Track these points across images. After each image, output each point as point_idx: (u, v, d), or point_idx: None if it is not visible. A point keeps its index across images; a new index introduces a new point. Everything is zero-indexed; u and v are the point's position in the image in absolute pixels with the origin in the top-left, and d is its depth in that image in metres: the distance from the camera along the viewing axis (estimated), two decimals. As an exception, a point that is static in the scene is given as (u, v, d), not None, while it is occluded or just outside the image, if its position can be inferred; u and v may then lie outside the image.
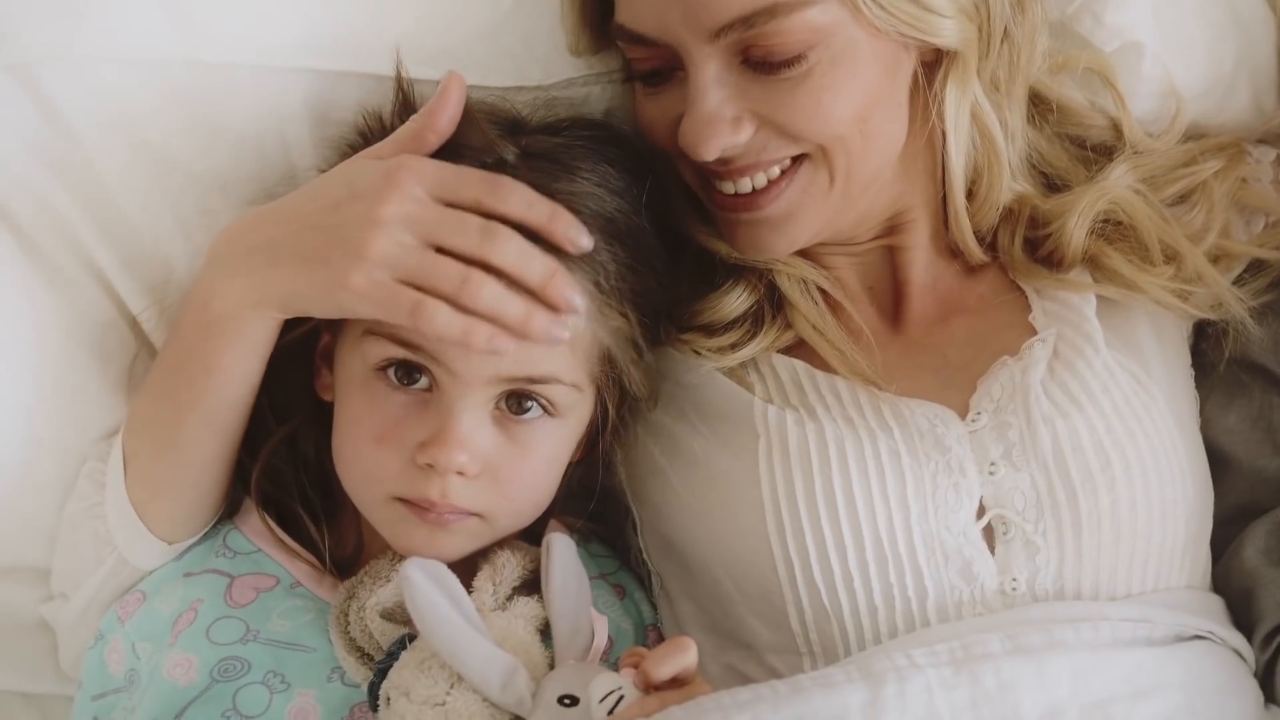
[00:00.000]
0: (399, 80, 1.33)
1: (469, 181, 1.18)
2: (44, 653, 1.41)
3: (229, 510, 1.36)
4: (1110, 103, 1.45)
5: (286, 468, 1.35)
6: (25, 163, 1.31)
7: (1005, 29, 1.32)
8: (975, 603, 1.25)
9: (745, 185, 1.31)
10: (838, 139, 1.28)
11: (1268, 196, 1.49)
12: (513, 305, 1.16)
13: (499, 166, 1.23)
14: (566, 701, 1.14)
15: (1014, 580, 1.26)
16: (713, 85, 1.26)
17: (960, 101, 1.32)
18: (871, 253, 1.41)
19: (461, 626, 1.16)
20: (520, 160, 1.24)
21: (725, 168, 1.30)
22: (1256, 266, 1.46)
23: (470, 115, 1.25)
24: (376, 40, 1.34)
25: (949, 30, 1.28)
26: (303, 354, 1.32)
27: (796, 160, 1.30)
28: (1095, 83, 1.46)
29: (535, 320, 1.16)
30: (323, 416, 1.32)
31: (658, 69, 1.31)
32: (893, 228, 1.40)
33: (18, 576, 1.38)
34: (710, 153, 1.27)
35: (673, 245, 1.35)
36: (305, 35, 1.34)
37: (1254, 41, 1.53)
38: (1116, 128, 1.45)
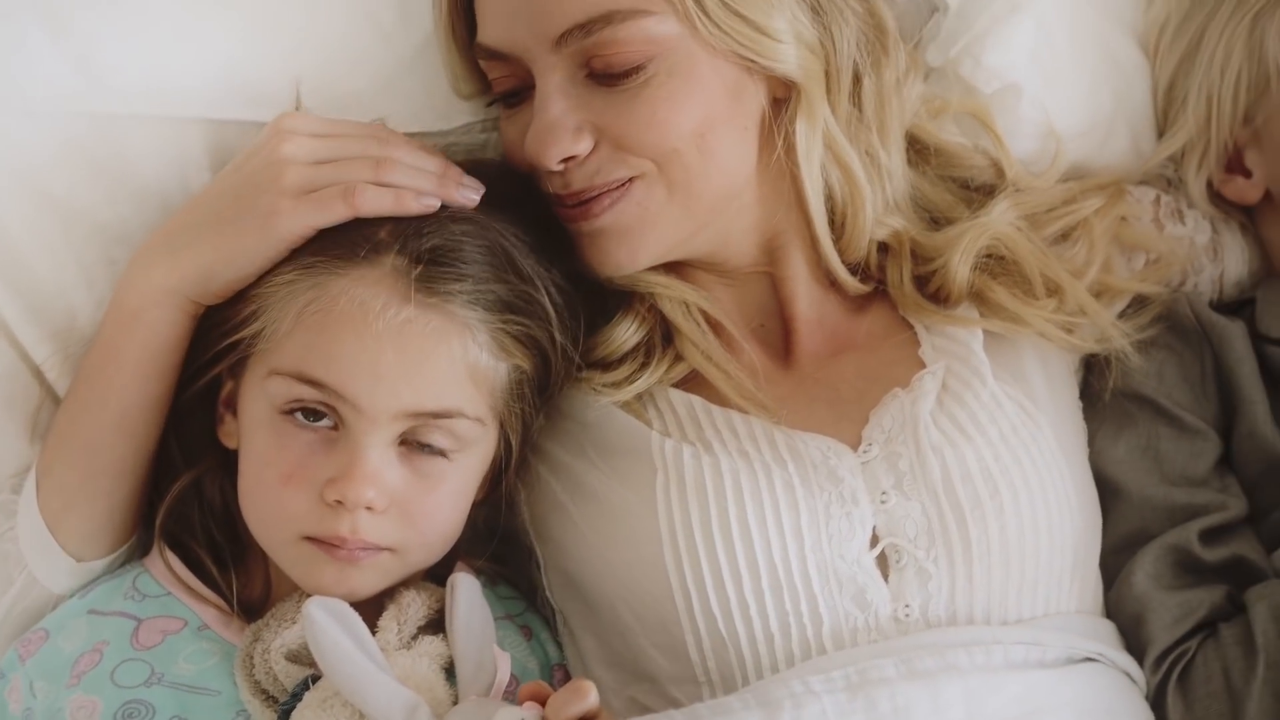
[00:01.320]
0: None
1: (350, 124, 1.28)
2: None
3: (141, 552, 1.36)
4: (991, 144, 1.50)
5: (194, 513, 1.35)
6: None
7: (855, 71, 1.37)
8: (870, 629, 1.28)
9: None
10: (673, 152, 1.31)
11: (1148, 234, 1.54)
12: (423, 178, 1.26)
13: None
14: (469, 735, 1.15)
15: (907, 607, 1.28)
16: (556, 94, 1.31)
17: (810, 135, 1.36)
18: (753, 283, 1.44)
19: (363, 664, 1.17)
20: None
21: (566, 191, 1.34)
22: (1140, 302, 1.50)
23: None
24: (277, 89, 1.37)
25: (788, 58, 1.33)
26: (208, 404, 1.33)
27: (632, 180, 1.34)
28: (979, 125, 1.50)
29: (449, 183, 1.27)
30: (228, 463, 1.32)
31: (516, 88, 1.36)
32: (770, 256, 1.43)
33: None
34: (551, 159, 1.31)
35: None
36: (206, 86, 1.37)
37: (1131, 85, 1.58)
38: (998, 168, 1.49)
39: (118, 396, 1.29)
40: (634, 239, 1.35)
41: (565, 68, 1.31)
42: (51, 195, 1.35)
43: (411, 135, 1.41)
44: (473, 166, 1.36)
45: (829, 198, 1.39)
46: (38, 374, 1.37)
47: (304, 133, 1.25)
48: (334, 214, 1.23)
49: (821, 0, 1.35)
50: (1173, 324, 1.49)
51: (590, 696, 1.16)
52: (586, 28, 1.28)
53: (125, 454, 1.30)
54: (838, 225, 1.41)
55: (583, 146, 1.32)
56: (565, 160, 1.32)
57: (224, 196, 1.27)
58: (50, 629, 1.30)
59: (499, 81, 1.37)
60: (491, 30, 1.34)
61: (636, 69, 1.30)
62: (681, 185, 1.33)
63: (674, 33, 1.29)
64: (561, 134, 1.31)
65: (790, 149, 1.36)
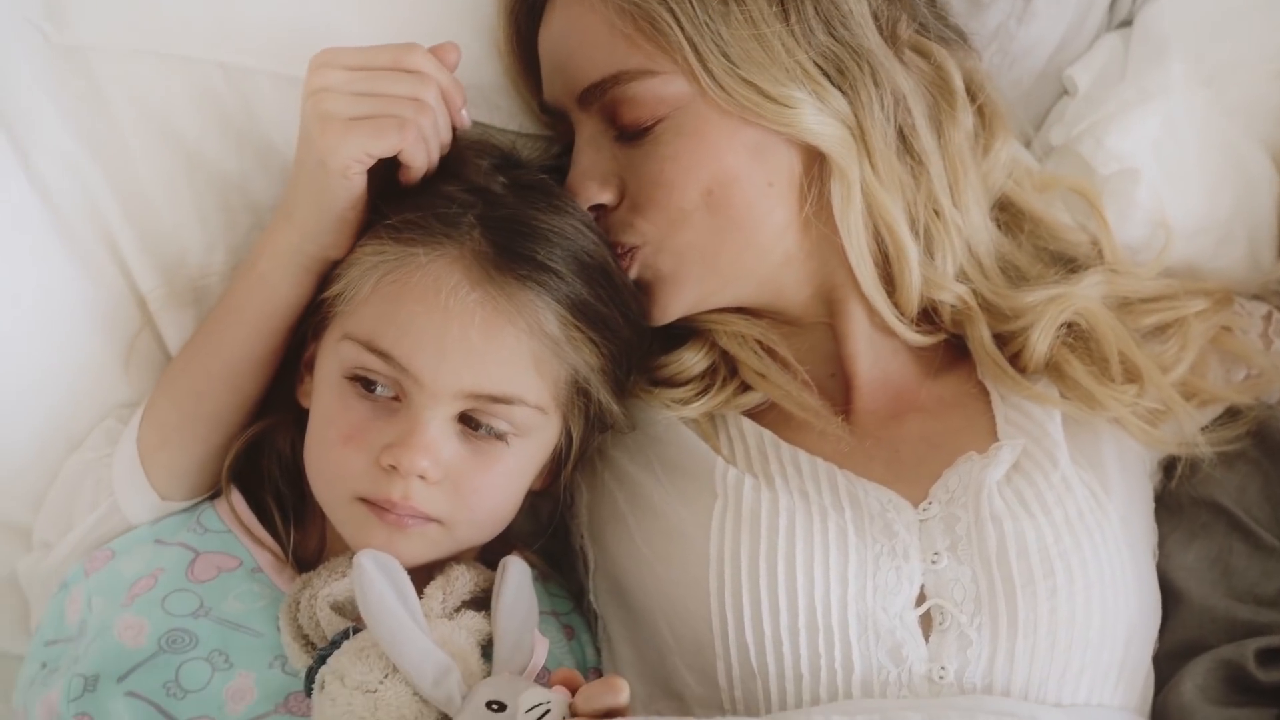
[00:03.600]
0: None
1: (379, 50, 1.27)
2: (9, 611, 1.45)
3: (213, 495, 1.40)
4: (1096, 225, 1.48)
5: (265, 463, 1.39)
6: (65, 138, 1.38)
7: (902, 131, 1.37)
8: (901, 685, 1.27)
9: None
10: (679, 213, 1.34)
11: (1250, 347, 1.51)
12: (445, 125, 1.30)
13: (485, 194, 1.30)
14: (494, 707, 1.16)
15: (943, 669, 1.27)
16: (586, 146, 1.37)
17: (845, 195, 1.35)
18: (816, 333, 1.44)
19: (403, 618, 1.19)
20: (507, 190, 1.32)
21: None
22: (1233, 413, 1.48)
23: (463, 148, 1.34)
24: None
25: (803, 123, 1.32)
26: (293, 363, 1.38)
27: None
28: (1087, 205, 1.50)
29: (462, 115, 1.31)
30: (301, 421, 1.36)
31: (573, 140, 1.41)
32: (830, 308, 1.43)
33: (-6, 533, 1.43)
34: (580, 206, 1.35)
35: None
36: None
37: (1255, 194, 1.56)
38: (1098, 248, 1.48)
39: (230, 348, 1.34)
40: (660, 295, 1.38)
41: (594, 123, 1.37)
42: (182, 138, 1.41)
43: (534, 137, 1.48)
44: None
45: (881, 251, 1.38)
46: (141, 303, 1.42)
47: (338, 65, 1.27)
48: (388, 143, 1.25)
49: (848, 64, 1.35)
50: (1262, 439, 1.47)
51: (622, 694, 1.17)
52: (600, 86, 1.34)
53: (226, 404, 1.35)
54: (888, 280, 1.39)
55: (607, 197, 1.36)
56: (593, 209, 1.37)
57: (300, 144, 1.29)
58: (117, 550, 1.35)
59: (562, 134, 1.45)
60: (544, 89, 1.42)
61: (649, 127, 1.34)
62: (693, 248, 1.35)
63: (684, 92, 1.33)
64: (588, 183, 1.36)
65: (825, 206, 1.36)
